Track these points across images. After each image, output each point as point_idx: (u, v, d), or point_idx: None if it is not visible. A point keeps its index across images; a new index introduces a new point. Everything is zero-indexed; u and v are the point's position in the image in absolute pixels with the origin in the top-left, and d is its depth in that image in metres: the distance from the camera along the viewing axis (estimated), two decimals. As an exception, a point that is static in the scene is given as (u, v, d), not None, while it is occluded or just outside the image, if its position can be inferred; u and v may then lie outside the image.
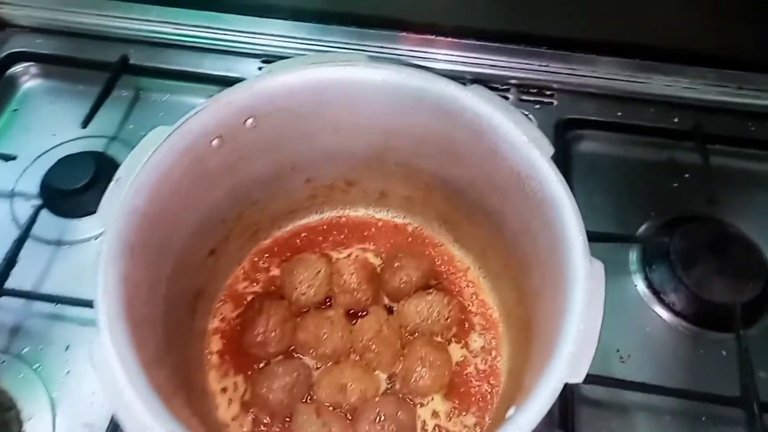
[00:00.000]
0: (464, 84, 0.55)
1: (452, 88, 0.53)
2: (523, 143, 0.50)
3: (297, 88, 0.55)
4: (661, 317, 0.74)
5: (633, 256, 0.78)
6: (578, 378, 0.40)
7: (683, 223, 0.78)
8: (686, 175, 0.84)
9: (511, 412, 0.42)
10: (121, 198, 0.47)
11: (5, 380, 0.67)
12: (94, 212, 0.75)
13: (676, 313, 0.74)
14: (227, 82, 0.87)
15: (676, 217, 0.80)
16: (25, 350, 0.70)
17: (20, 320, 0.71)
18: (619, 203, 0.82)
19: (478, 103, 0.52)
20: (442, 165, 0.61)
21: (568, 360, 0.41)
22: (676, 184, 0.84)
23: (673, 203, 0.82)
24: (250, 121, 0.55)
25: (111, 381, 0.41)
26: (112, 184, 0.49)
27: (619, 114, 0.88)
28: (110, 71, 0.87)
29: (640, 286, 0.75)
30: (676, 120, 0.87)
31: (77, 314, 0.71)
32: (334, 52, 0.56)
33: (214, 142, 0.54)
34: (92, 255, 0.73)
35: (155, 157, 0.49)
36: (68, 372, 0.69)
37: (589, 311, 0.42)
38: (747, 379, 0.66)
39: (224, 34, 0.92)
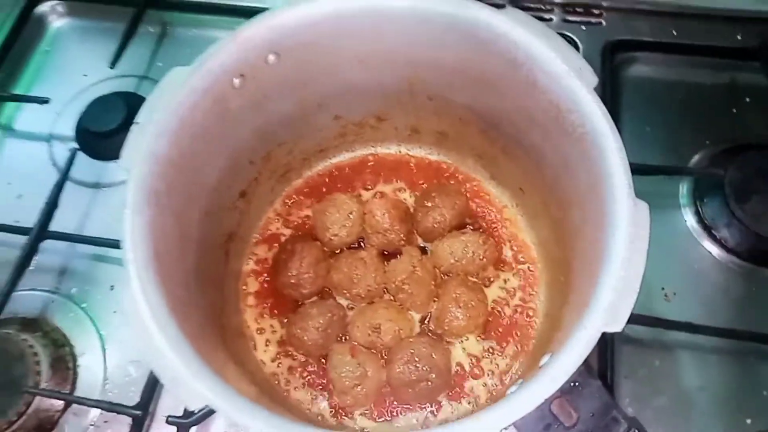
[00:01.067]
0: (501, 6, 0.50)
1: (485, 13, 0.48)
2: (564, 74, 0.46)
3: (319, 19, 0.51)
4: (710, 254, 0.70)
5: (683, 188, 0.73)
6: (617, 327, 0.38)
7: (740, 153, 0.72)
8: (747, 99, 0.78)
9: (545, 359, 0.40)
10: (142, 144, 0.46)
11: (58, 318, 0.70)
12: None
13: (728, 250, 0.70)
14: (255, 12, 0.86)
15: (733, 146, 0.74)
16: (73, 290, 0.73)
17: (66, 262, 0.74)
18: (671, 132, 0.77)
19: (514, 29, 0.48)
20: (476, 97, 0.57)
21: (607, 309, 0.38)
22: (735, 110, 0.77)
23: (731, 131, 0.76)
24: (271, 57, 0.52)
25: (142, 331, 0.41)
26: (133, 129, 0.47)
27: (675, 33, 0.81)
28: (135, 6, 0.85)
29: (690, 220, 0.71)
30: (739, 37, 0.79)
31: (120, 255, 0.72)
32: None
33: (236, 81, 0.52)
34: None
35: (175, 99, 0.48)
36: (114, 311, 0.71)
37: (632, 256, 0.39)
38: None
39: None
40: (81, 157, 0.78)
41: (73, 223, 0.76)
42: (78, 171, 0.77)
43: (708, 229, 0.71)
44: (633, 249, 0.40)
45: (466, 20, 0.49)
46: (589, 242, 0.46)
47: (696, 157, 0.75)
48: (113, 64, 0.82)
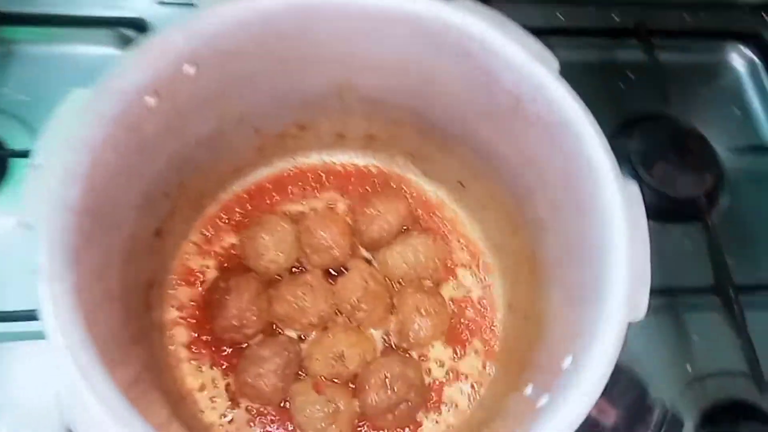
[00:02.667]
0: None
1: (434, 5, 0.45)
2: (526, 61, 0.44)
3: (241, 22, 0.44)
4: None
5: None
6: (639, 315, 0.37)
7: (635, 124, 0.77)
8: (631, 74, 0.83)
9: (567, 362, 0.38)
10: (48, 192, 0.36)
11: None
12: None
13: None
14: (120, 23, 0.75)
15: (628, 119, 0.79)
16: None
17: None
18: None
19: (465, 18, 0.45)
20: (417, 96, 0.53)
21: (626, 300, 0.37)
22: (622, 85, 0.82)
23: (623, 104, 0.81)
24: (189, 68, 0.44)
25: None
26: (31, 173, 0.37)
27: (560, 16, 0.83)
28: (-38, 24, 0.68)
29: (606, 192, 0.75)
30: (616, 18, 0.84)
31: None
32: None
33: (150, 101, 0.43)
34: None
35: (82, 133, 0.38)
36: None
37: (635, 243, 0.39)
38: (719, 265, 0.68)
39: (101, -39, 0.74)
40: None
41: None
42: None
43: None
44: (635, 232, 0.39)
45: (410, 13, 0.45)
46: (569, 233, 0.45)
47: (597, 133, 0.78)
48: (-55, 95, 0.66)
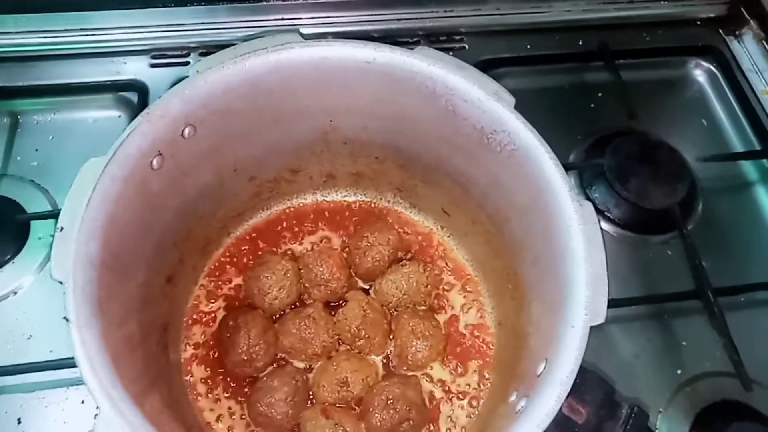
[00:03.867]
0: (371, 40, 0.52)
1: (398, 55, 0.50)
2: (484, 99, 0.49)
3: (233, 84, 0.50)
4: (609, 233, 0.78)
5: (571, 181, 0.81)
6: (600, 319, 0.41)
7: (608, 141, 0.81)
8: (599, 94, 0.88)
9: (541, 367, 0.42)
10: (72, 251, 0.41)
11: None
12: (5, 264, 0.69)
13: (621, 226, 0.78)
14: (119, 86, 0.81)
15: (601, 137, 0.83)
16: (-30, 441, 0.61)
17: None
18: (545, 135, 0.84)
19: (428, 66, 0.50)
20: (394, 134, 0.59)
21: (586, 304, 0.41)
22: (592, 105, 0.87)
23: (594, 123, 0.85)
24: (187, 130, 0.50)
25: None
26: (57, 235, 0.42)
27: (528, 46, 0.89)
28: (-25, 99, 0.75)
29: (585, 208, 0.79)
30: (581, 42, 0.90)
31: (19, 381, 0.63)
32: (262, 35, 0.50)
33: (154, 162, 0.48)
34: (16, 311, 0.67)
35: (97, 195, 0.43)
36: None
37: (592, 252, 0.43)
38: (698, 270, 0.71)
39: (100, 34, 0.81)
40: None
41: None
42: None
43: (601, 213, 0.78)
44: (591, 245, 0.43)
45: (381, 63, 0.51)
46: (540, 249, 0.50)
47: (573, 153, 0.83)
48: (-35, 168, 0.72)
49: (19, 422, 0.62)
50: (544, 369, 0.42)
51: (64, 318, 0.39)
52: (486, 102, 0.49)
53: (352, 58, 0.50)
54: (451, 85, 0.50)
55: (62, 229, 0.42)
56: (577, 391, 0.40)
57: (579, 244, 0.43)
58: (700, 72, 0.90)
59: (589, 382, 0.42)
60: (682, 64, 0.91)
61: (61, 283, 0.40)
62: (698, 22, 0.92)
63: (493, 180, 0.54)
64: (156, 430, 0.39)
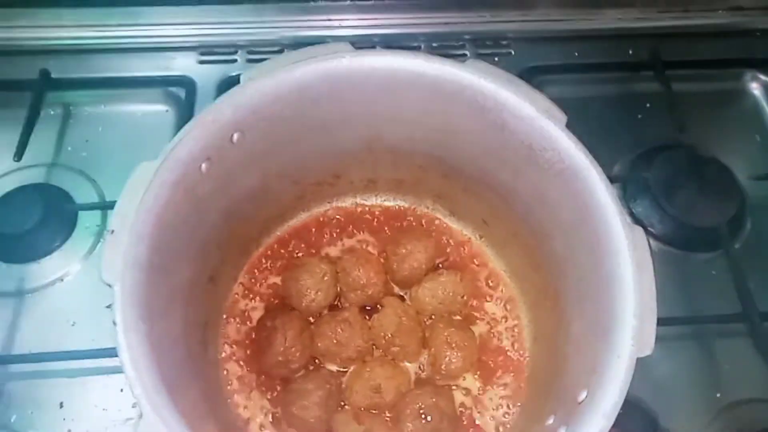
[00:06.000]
0: (419, 48, 0.51)
1: (449, 68, 0.50)
2: (535, 115, 0.48)
3: (282, 92, 0.50)
4: (651, 249, 0.76)
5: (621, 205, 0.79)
6: (647, 350, 0.40)
7: (655, 155, 0.79)
8: (648, 105, 0.86)
9: (583, 395, 0.42)
10: (122, 253, 0.42)
11: (2, 458, 0.62)
12: (53, 251, 0.71)
13: (664, 242, 0.76)
14: (168, 81, 0.82)
15: (647, 149, 0.81)
16: (14, 419, 0.64)
17: (-2, 388, 0.64)
18: (590, 145, 0.82)
19: (479, 80, 0.49)
20: (439, 145, 0.58)
21: (634, 335, 0.41)
22: (640, 116, 0.85)
23: (641, 135, 0.83)
24: (236, 135, 0.50)
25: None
26: (108, 237, 0.43)
27: (577, 54, 0.87)
28: (32, 90, 0.77)
29: (627, 223, 0.77)
30: (630, 51, 0.87)
31: (63, 367, 0.65)
32: (311, 44, 0.51)
33: (203, 166, 0.49)
34: (62, 298, 0.69)
35: (147, 198, 0.44)
36: (69, 430, 0.64)
37: (642, 281, 0.42)
38: (744, 292, 0.69)
39: (152, 30, 0.83)
40: (-4, 265, 0.69)
41: (0, 340, 0.67)
42: (-6, 281, 0.68)
43: (644, 228, 0.76)
44: (640, 272, 0.43)
45: (431, 75, 0.50)
46: (585, 270, 0.49)
47: (618, 165, 0.81)
48: (19, 156, 0.74)
49: (62, 406, 0.65)
50: (586, 397, 0.41)
51: (113, 322, 0.41)
52: (537, 119, 0.48)
53: (402, 69, 0.50)
54: (501, 100, 0.49)
55: (113, 232, 0.43)
56: (617, 421, 0.39)
57: (628, 271, 0.43)
58: (756, 85, 0.87)
59: (631, 413, 0.41)
60: (737, 76, 0.88)
61: (110, 285, 0.41)
62: (758, 33, 0.89)
63: (539, 196, 0.53)
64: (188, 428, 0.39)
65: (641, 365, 0.66)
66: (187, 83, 0.81)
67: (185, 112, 0.78)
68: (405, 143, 0.59)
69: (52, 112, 0.80)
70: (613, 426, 0.39)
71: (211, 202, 0.52)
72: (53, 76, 0.79)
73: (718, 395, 0.67)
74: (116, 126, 0.81)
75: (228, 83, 0.78)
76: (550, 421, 0.46)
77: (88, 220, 0.74)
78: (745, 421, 0.65)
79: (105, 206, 0.73)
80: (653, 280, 0.43)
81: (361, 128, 0.57)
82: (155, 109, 0.82)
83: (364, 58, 0.50)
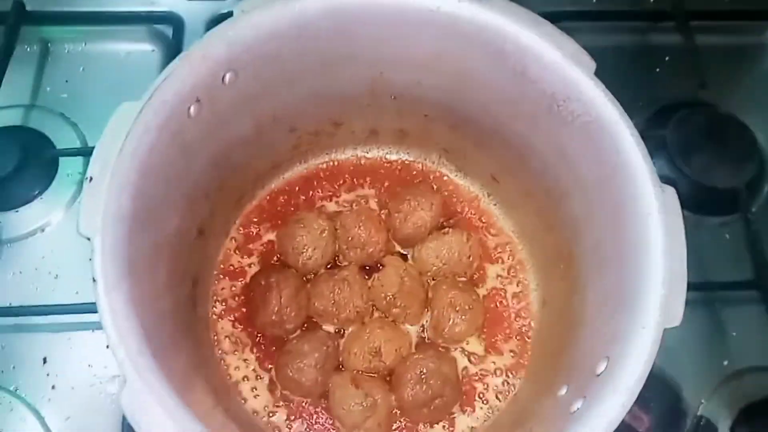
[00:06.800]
0: None
1: (467, 5, 0.45)
2: (560, 61, 0.44)
3: (280, 27, 0.45)
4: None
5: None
6: (675, 321, 0.37)
7: (672, 112, 0.75)
8: (666, 58, 0.81)
9: (602, 367, 0.39)
10: (102, 203, 0.37)
11: (-16, 411, 0.59)
12: (33, 200, 0.67)
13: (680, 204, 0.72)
14: (153, 18, 0.76)
15: (665, 106, 0.77)
16: (-4, 374, 0.61)
17: (-22, 342, 0.61)
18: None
19: (498, 18, 0.44)
20: (450, 92, 0.54)
21: (661, 304, 0.37)
22: (658, 69, 0.80)
23: (659, 91, 0.79)
24: (228, 75, 0.45)
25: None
26: (86, 186, 0.38)
27: (594, 0, 0.81)
28: (5, 23, 0.71)
29: (640, 182, 0.73)
30: (651, 0, 0.82)
31: (46, 321, 0.62)
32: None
33: (192, 109, 0.44)
34: (43, 249, 0.65)
35: (130, 143, 0.39)
36: (53, 387, 0.61)
37: (672, 246, 0.39)
38: (758, 258, 0.66)
39: (136, -40, 0.76)
40: (-30, 213, 0.65)
41: (-22, 292, 0.63)
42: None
43: (657, 187, 0.73)
44: (671, 238, 0.39)
45: (446, 13, 0.45)
46: (606, 233, 0.45)
47: (633, 121, 0.77)
48: (-8, 95, 0.68)
49: (45, 362, 0.62)
50: (605, 369, 0.38)
51: (92, 279, 0.37)
52: (562, 65, 0.44)
53: (414, 4, 0.45)
54: (523, 44, 0.45)
55: (91, 179, 0.38)
56: (640, 396, 0.36)
57: (658, 236, 0.39)
58: (784, 41, 0.82)
59: (653, 386, 0.39)
60: (762, 30, 0.82)
61: (88, 239, 0.37)
62: (786, -16, 0.83)
63: (558, 151, 0.49)
64: (182, 401, 0.36)
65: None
66: (174, 20, 0.76)
67: (172, 52, 0.72)
68: (413, 89, 0.54)
69: (28, 49, 0.75)
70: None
71: (200, 149, 0.48)
72: (28, 8, 0.73)
73: (726, 363, 0.65)
74: (98, 66, 0.75)
75: (219, 21, 0.71)
76: (563, 392, 0.43)
77: (69, 166, 0.69)
78: (751, 389, 0.64)
79: (87, 152, 0.68)
80: (684, 247, 0.39)
81: (365, 70, 0.52)
82: (140, 49, 0.76)
83: (371, -9, 0.44)
